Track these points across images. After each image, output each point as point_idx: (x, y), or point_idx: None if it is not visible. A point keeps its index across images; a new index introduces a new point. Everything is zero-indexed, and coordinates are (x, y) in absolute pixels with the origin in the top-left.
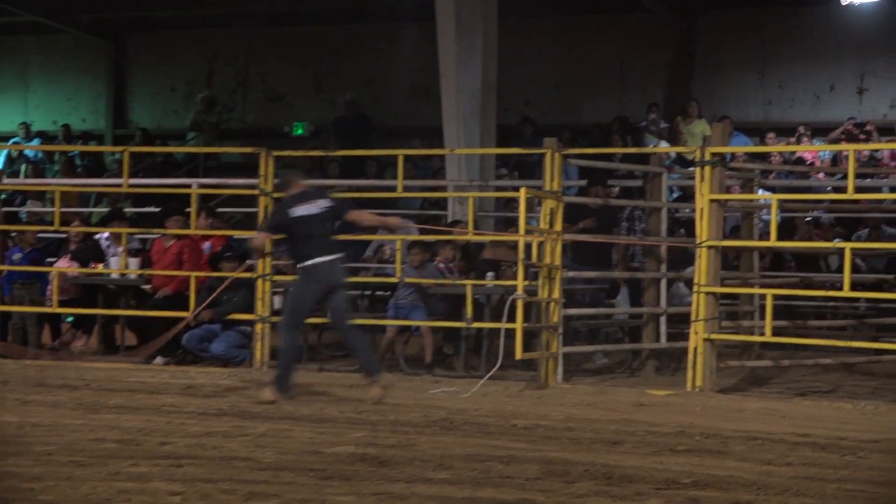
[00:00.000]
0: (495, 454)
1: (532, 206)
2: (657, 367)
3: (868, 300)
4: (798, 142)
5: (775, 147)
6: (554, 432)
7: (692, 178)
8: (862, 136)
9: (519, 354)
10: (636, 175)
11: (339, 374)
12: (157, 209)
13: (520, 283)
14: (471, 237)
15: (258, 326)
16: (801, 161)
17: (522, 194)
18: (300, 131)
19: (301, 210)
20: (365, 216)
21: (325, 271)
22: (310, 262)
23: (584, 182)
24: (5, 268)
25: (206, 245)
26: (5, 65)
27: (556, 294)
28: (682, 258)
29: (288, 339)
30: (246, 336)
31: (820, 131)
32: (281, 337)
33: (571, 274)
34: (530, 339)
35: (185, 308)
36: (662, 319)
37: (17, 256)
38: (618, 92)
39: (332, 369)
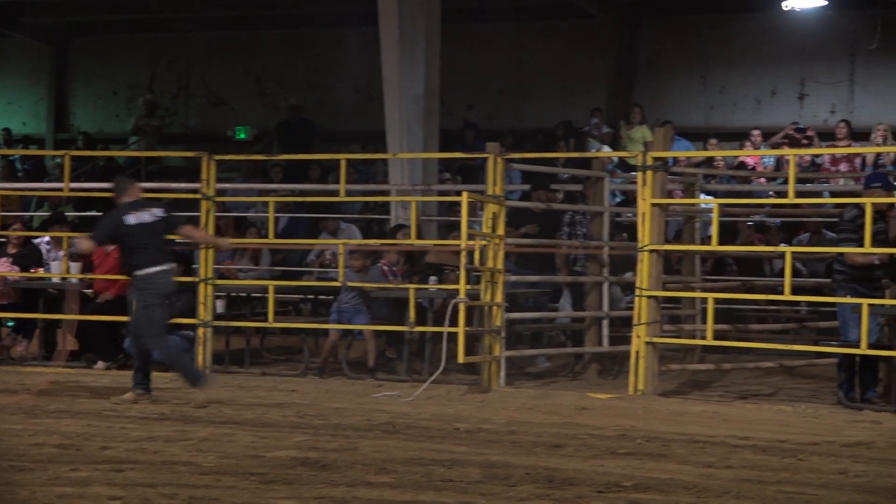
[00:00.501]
0: (437, 458)
1: (475, 210)
2: (599, 370)
3: (808, 304)
4: (755, 147)
5: (716, 152)
6: (496, 436)
7: (634, 182)
8: (804, 142)
9: (461, 358)
10: (579, 179)
11: (282, 379)
12: (99, 214)
13: (462, 287)
14: (413, 242)
15: (200, 331)
16: (743, 166)
17: (464, 199)
18: (243, 135)
19: (134, 218)
20: (197, 233)
21: (158, 281)
22: (143, 272)
23: (527, 186)
24: None
25: None
26: None
27: (499, 298)
28: (624, 262)
29: (162, 345)
30: (188, 340)
31: (761, 136)
32: (155, 351)
33: (514, 278)
34: (473, 343)
35: (126, 312)
36: (605, 323)
37: None
38: (560, 97)
39: (274, 373)
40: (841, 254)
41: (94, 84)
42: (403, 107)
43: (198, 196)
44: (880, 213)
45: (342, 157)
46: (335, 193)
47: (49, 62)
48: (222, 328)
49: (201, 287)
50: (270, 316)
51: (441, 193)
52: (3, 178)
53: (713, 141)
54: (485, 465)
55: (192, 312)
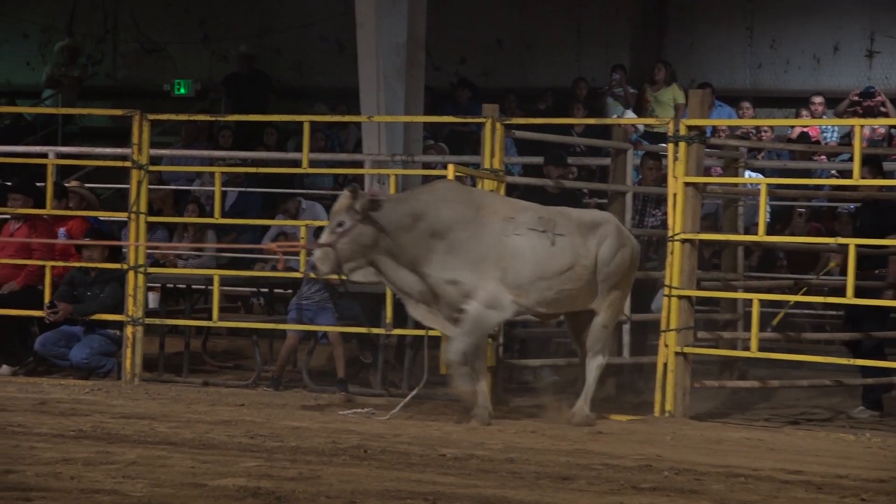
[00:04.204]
0: (419, 490)
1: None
2: (618, 386)
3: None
4: (813, 116)
5: (767, 121)
6: (491, 464)
7: (664, 155)
8: (883, 109)
9: (444, 368)
10: (599, 152)
11: (228, 390)
12: (7, 183)
13: None
14: None
15: (128, 329)
16: (804, 138)
17: (450, 172)
18: (183, 90)
19: None
20: None
21: None
22: None
23: (531, 159)
24: None
25: (62, 230)
26: None
27: None
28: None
29: None
30: (113, 341)
31: (824, 104)
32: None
33: None
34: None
35: (36, 306)
36: (625, 328)
37: None
38: (573, 50)
39: (219, 384)
40: None
41: (0, 24)
42: (381, 59)
43: (127, 164)
44: None
45: (305, 118)
46: (297, 164)
47: None
48: (155, 327)
49: (130, 276)
50: (215, 313)
51: (426, 166)
52: None
53: (746, 105)
54: (477, 500)
55: (117, 307)
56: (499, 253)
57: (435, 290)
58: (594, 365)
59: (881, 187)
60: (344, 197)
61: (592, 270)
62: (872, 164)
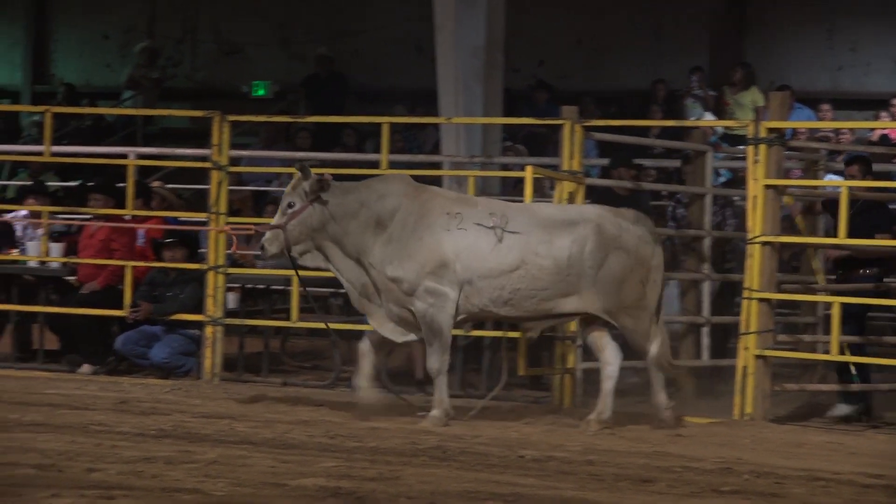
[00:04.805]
0: (498, 491)
1: (545, 188)
2: (698, 388)
3: None
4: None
5: (847, 123)
6: (570, 466)
7: (742, 158)
8: None
9: (523, 370)
10: (677, 154)
11: (308, 390)
12: (89, 184)
13: None
14: None
15: (208, 329)
16: (884, 140)
17: (529, 174)
18: (262, 92)
19: None
20: None
21: None
22: None
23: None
24: None
25: (141, 231)
26: None
27: None
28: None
29: None
30: (193, 341)
31: None
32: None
33: None
34: (540, 351)
35: (117, 306)
36: (705, 331)
37: None
38: (650, 52)
39: (298, 384)
40: None
41: (82, 26)
42: (459, 61)
43: (207, 165)
44: None
45: (384, 120)
46: (375, 165)
47: None
48: (235, 327)
49: (209, 276)
50: (294, 313)
51: (505, 167)
52: None
53: (825, 107)
54: (557, 502)
55: (197, 307)
56: (438, 248)
57: (376, 284)
58: (650, 360)
59: None
60: (294, 177)
61: (559, 271)
62: None
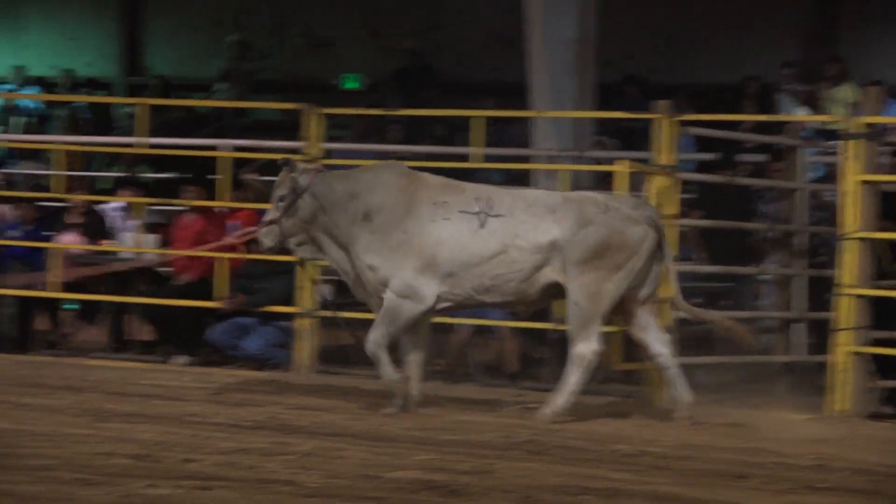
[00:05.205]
0: (593, 486)
1: (638, 183)
2: (793, 384)
3: None
4: None
5: None
6: (664, 461)
7: (835, 153)
8: None
9: (616, 363)
10: (767, 149)
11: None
12: (182, 176)
13: None
14: None
15: (300, 321)
16: None
17: (621, 168)
18: (351, 84)
19: None
20: None
21: None
22: None
23: (703, 156)
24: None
25: (233, 223)
26: None
27: (667, 292)
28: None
29: None
30: (286, 333)
31: None
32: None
33: (685, 268)
34: (633, 345)
35: (210, 297)
36: (799, 327)
37: (15, 234)
38: (742, 46)
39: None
40: None
41: (173, 18)
42: (551, 55)
43: (299, 158)
44: None
45: (477, 113)
46: (466, 158)
47: None
48: (328, 319)
49: (300, 268)
50: None
51: (596, 161)
52: (64, 130)
53: None
54: (651, 497)
55: (289, 299)
56: (421, 241)
57: (359, 274)
58: (573, 355)
59: None
60: (283, 171)
61: (538, 251)
62: None
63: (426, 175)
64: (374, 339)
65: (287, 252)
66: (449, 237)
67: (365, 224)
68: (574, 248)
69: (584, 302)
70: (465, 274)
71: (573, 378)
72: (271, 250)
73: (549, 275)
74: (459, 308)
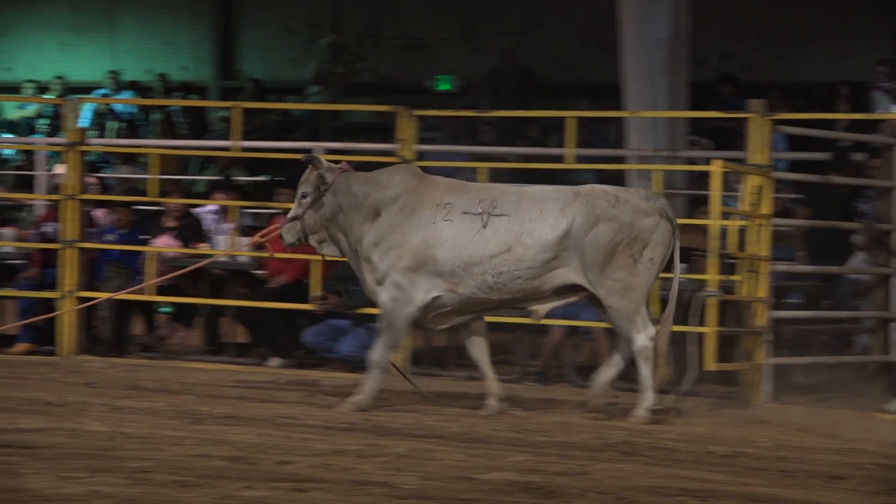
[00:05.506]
0: (687, 487)
1: (731, 182)
2: (891, 383)
3: None
4: None
5: None
6: (760, 462)
7: None
8: None
9: (712, 364)
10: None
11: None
12: (276, 179)
13: (712, 276)
14: None
15: None
16: None
17: (716, 168)
18: (445, 86)
19: None
20: None
21: None
22: None
23: (796, 155)
24: (96, 245)
25: None
26: (89, 1)
27: (762, 292)
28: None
29: None
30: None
31: None
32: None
33: (780, 268)
34: (729, 346)
35: (305, 299)
36: (893, 326)
37: (111, 238)
38: (837, 44)
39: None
40: None
41: (267, 21)
42: (644, 55)
43: (393, 159)
44: None
45: (570, 114)
46: (559, 159)
47: None
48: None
49: None
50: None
51: (690, 161)
52: (159, 134)
53: None
54: (746, 499)
55: None
56: (421, 242)
57: (360, 267)
58: (634, 351)
59: None
60: (308, 168)
61: (545, 249)
62: None
63: (437, 177)
64: (375, 357)
65: None
66: (449, 238)
67: (372, 224)
68: (588, 250)
69: (617, 302)
70: (467, 273)
71: (646, 372)
72: (292, 246)
73: (567, 276)
74: (465, 305)
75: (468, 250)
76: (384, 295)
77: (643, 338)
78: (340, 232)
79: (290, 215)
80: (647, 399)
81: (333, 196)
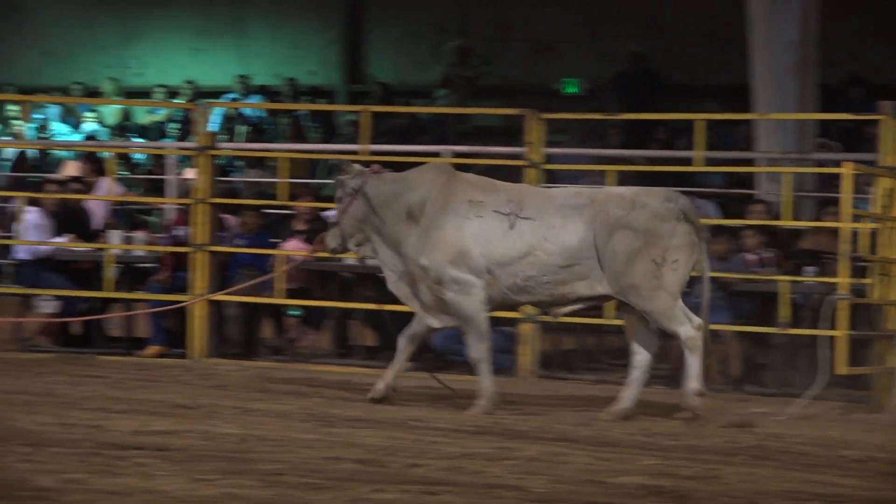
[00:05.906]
0: (820, 492)
1: (862, 185)
2: None
3: None
4: None
5: None
6: (892, 467)
7: None
8: None
9: (842, 369)
10: None
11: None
12: None
13: (842, 280)
14: (781, 223)
15: (524, 327)
16: None
17: (845, 171)
18: (572, 89)
19: None
20: None
21: None
22: None
23: None
24: (227, 248)
25: None
26: (219, 7)
27: (894, 295)
28: None
29: None
30: (509, 338)
31: None
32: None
33: None
34: (860, 350)
35: None
36: None
37: (240, 243)
38: None
39: (612, 381)
40: None
41: (394, 25)
42: (774, 57)
43: (521, 163)
44: None
45: (697, 116)
46: (688, 162)
47: None
48: (550, 325)
49: None
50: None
51: (819, 163)
52: (288, 138)
53: None
54: None
55: None
56: (456, 237)
57: (412, 273)
58: (682, 343)
59: None
60: (341, 174)
61: (568, 256)
62: None
63: (467, 175)
64: (474, 354)
65: None
66: (482, 234)
67: (412, 223)
68: (608, 261)
69: (650, 306)
70: (500, 272)
71: (695, 362)
72: (334, 251)
73: (597, 288)
74: (497, 308)
75: (499, 249)
76: (448, 294)
77: (688, 329)
78: (374, 232)
79: (330, 221)
80: (693, 387)
81: (364, 198)
